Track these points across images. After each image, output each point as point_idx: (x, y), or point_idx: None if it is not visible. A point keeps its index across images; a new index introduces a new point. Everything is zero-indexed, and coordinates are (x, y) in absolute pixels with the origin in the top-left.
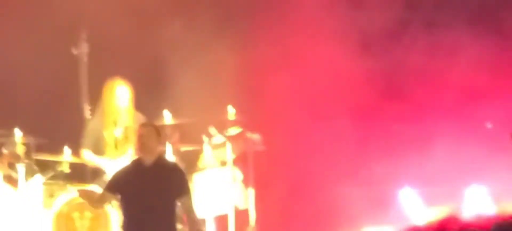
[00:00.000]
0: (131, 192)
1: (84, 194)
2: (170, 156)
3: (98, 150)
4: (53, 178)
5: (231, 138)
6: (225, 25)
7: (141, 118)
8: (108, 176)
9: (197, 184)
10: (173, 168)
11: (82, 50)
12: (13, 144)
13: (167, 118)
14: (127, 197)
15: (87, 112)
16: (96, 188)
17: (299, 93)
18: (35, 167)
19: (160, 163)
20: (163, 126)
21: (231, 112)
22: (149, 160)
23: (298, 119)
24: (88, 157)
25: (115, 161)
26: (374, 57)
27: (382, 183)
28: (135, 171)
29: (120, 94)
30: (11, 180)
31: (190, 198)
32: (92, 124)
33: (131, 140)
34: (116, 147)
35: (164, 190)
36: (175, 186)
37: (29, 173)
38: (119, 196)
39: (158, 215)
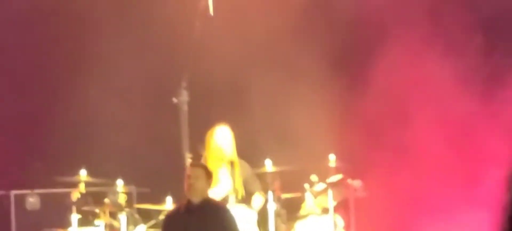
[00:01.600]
0: None
1: None
2: (271, 204)
3: None
4: (155, 226)
5: (333, 185)
6: (327, 76)
7: (245, 165)
8: None
9: None
10: (220, 208)
11: (182, 98)
12: (115, 193)
13: (269, 165)
14: None
15: (188, 161)
16: None
17: (401, 140)
18: (137, 216)
19: (207, 204)
20: (265, 174)
21: (332, 159)
22: (196, 200)
23: (400, 166)
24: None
25: None
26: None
27: None
28: (183, 212)
29: (223, 137)
30: (113, 229)
31: None
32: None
33: (236, 184)
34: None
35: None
36: (221, 226)
37: (131, 222)
38: None
39: None
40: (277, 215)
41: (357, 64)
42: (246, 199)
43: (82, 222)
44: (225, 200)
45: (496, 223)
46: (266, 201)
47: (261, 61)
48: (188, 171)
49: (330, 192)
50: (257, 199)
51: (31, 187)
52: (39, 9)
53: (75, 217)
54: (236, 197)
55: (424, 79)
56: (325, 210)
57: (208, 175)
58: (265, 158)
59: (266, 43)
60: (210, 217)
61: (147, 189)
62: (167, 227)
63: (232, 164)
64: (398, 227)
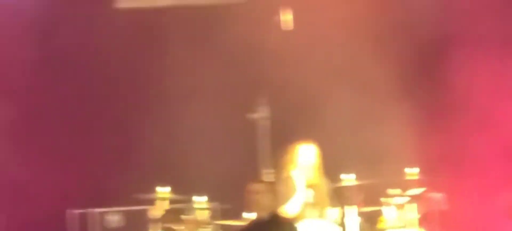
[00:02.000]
0: None
1: None
2: (353, 218)
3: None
4: None
5: (414, 198)
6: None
7: (327, 182)
8: None
9: None
10: (286, 223)
11: (262, 114)
12: (192, 209)
13: (350, 179)
14: None
15: (268, 177)
16: None
17: (483, 152)
18: None
19: (274, 219)
20: (346, 187)
21: (413, 172)
22: (262, 217)
23: (483, 178)
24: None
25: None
26: None
27: None
28: (252, 228)
29: (307, 155)
30: None
31: None
32: (284, 183)
33: (323, 202)
34: (306, 208)
35: None
36: None
37: None
38: None
39: None
40: (361, 228)
41: (439, 77)
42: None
43: None
44: (302, 214)
45: None
46: (343, 215)
47: (341, 76)
48: (249, 187)
49: (412, 205)
50: (333, 214)
51: (112, 204)
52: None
53: None
54: (320, 213)
55: (507, 87)
56: (408, 224)
57: (273, 190)
58: (342, 172)
59: (346, 59)
60: None
61: (230, 205)
62: None
63: (316, 182)
64: None
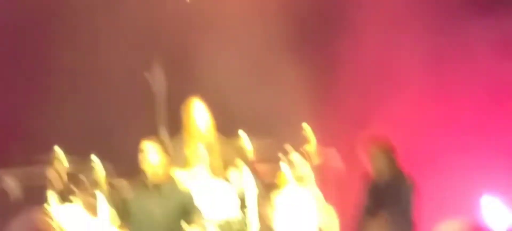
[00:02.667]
0: None
1: None
2: (248, 175)
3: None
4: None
5: (310, 155)
6: (300, 42)
7: (220, 139)
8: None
9: (277, 203)
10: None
11: (156, 72)
12: (91, 170)
13: (244, 137)
14: None
15: (164, 135)
16: None
17: (376, 107)
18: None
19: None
20: (239, 145)
21: (307, 129)
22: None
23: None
24: (178, 175)
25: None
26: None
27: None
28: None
29: (199, 112)
30: (91, 208)
31: None
32: (175, 143)
33: (213, 159)
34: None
35: None
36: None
37: (109, 199)
38: None
39: None
40: (257, 187)
41: (332, 33)
42: (223, 174)
43: (59, 200)
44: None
45: None
46: (244, 174)
47: (237, 42)
48: (141, 144)
49: (305, 162)
50: (234, 174)
51: (7, 165)
52: None
53: (52, 195)
54: (214, 173)
55: (398, 39)
56: (301, 181)
57: (164, 150)
58: (238, 129)
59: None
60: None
61: (124, 165)
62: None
63: (209, 140)
64: None
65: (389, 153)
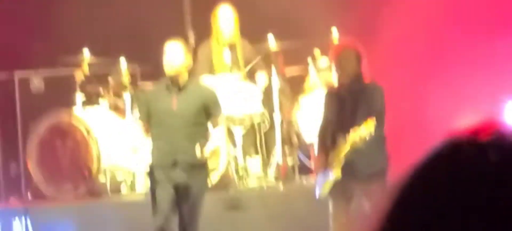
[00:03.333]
0: None
1: None
2: (275, 80)
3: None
4: None
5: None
6: None
7: (247, 44)
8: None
9: (303, 106)
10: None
11: None
12: (118, 72)
13: (271, 41)
14: None
15: (191, 39)
16: None
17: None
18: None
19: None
20: (268, 50)
21: (335, 34)
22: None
23: (405, 35)
24: (205, 80)
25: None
26: None
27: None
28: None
29: (225, 17)
30: (118, 109)
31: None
32: (201, 49)
33: (239, 63)
34: (225, 70)
35: None
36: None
37: (135, 101)
38: None
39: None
40: (281, 91)
41: None
42: (250, 77)
43: (87, 102)
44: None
45: None
46: (270, 77)
47: None
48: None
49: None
50: (261, 77)
51: (35, 67)
52: None
53: (79, 97)
54: (240, 76)
55: None
56: (329, 85)
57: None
58: (267, 33)
59: None
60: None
61: (151, 67)
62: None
63: (233, 44)
64: (401, 105)
65: (359, 56)
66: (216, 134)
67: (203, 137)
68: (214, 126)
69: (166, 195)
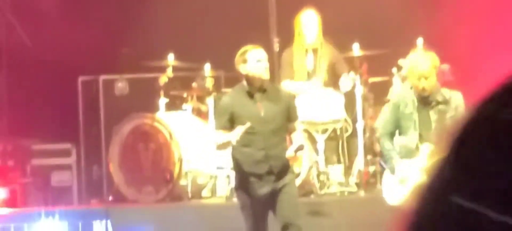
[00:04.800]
0: None
1: None
2: (359, 87)
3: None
4: None
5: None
6: None
7: (331, 48)
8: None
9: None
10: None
11: None
12: (202, 78)
13: (356, 49)
14: None
15: (276, 45)
16: None
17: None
18: None
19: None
20: (352, 57)
21: (420, 43)
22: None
23: (492, 51)
24: (287, 85)
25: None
26: None
27: None
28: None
29: (308, 22)
30: (201, 113)
31: None
32: (284, 55)
33: (321, 68)
34: (307, 76)
35: None
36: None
37: (215, 109)
38: None
39: None
40: (364, 98)
41: None
42: (333, 82)
43: (170, 106)
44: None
45: None
46: (354, 84)
47: None
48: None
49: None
50: (345, 82)
51: (120, 72)
52: None
53: (163, 101)
54: (322, 81)
55: None
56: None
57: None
58: (353, 42)
59: None
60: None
61: (235, 73)
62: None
63: (316, 49)
64: None
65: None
66: (298, 139)
67: (286, 141)
68: (292, 131)
69: (259, 205)
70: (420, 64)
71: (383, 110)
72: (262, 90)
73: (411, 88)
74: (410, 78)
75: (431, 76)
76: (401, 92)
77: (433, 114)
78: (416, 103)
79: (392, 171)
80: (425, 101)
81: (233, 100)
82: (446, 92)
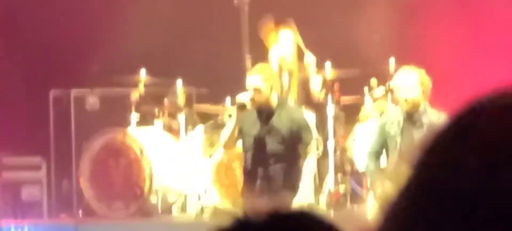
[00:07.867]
0: None
1: None
2: (330, 107)
3: None
4: (213, 127)
5: (392, 90)
6: None
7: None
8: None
9: (357, 135)
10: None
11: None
12: (174, 94)
13: (328, 68)
14: None
15: (248, 62)
16: None
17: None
18: (196, 117)
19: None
20: (324, 77)
21: (392, 64)
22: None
23: (464, 70)
24: None
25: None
26: None
27: None
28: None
29: (284, 41)
30: (172, 130)
31: None
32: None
33: (295, 87)
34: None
35: None
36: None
37: (190, 122)
38: None
39: None
40: (336, 118)
41: None
42: (305, 101)
43: (141, 122)
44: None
45: None
46: (325, 104)
47: None
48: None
49: (389, 97)
50: (315, 103)
51: (91, 86)
52: None
53: (134, 116)
54: (296, 99)
55: None
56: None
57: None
58: (325, 61)
59: None
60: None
61: (207, 89)
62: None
63: (291, 70)
64: None
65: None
66: None
67: None
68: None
69: None
70: (407, 80)
71: (354, 130)
72: (268, 109)
73: (397, 106)
74: (396, 95)
75: (418, 94)
76: (388, 113)
77: (417, 135)
78: (401, 124)
79: (375, 192)
80: (411, 120)
81: (242, 116)
82: (434, 114)
